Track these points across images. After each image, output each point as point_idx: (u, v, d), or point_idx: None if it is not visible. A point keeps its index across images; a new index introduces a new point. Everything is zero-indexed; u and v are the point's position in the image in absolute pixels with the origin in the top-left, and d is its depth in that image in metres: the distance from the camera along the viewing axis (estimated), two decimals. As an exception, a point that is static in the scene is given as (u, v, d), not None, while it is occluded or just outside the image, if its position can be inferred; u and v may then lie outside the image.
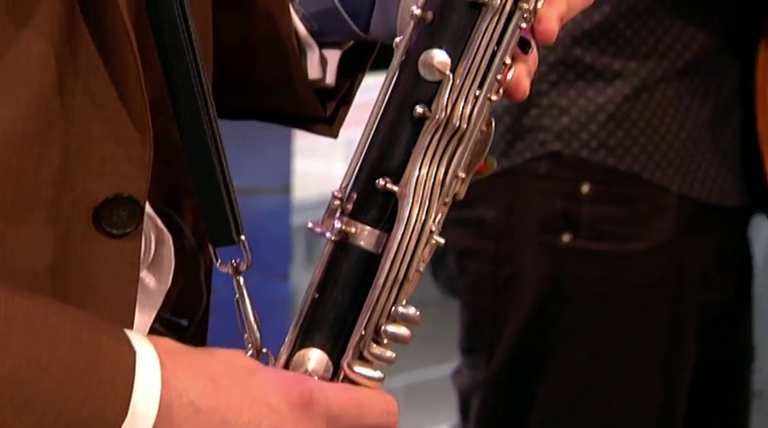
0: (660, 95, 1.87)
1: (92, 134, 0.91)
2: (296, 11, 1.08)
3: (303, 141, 3.17)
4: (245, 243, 0.96)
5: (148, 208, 0.96)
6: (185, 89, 0.95)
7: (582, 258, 1.89)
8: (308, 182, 3.82)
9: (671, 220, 1.88)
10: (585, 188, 1.87)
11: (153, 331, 0.99)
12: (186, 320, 1.02)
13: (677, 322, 1.91)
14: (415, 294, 0.96)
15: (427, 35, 0.94)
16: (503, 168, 1.86)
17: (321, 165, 4.19)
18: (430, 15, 0.93)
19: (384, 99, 0.94)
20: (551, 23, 0.95)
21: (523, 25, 0.94)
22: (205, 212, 0.97)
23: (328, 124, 1.11)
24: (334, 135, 1.12)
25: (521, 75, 0.96)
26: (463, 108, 0.93)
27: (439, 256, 1.92)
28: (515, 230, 1.88)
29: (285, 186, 3.00)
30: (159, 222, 1.00)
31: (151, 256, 0.98)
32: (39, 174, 0.89)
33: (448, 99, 0.93)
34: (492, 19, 0.93)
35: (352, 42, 1.09)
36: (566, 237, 1.87)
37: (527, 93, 0.97)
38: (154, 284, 0.99)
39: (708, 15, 1.86)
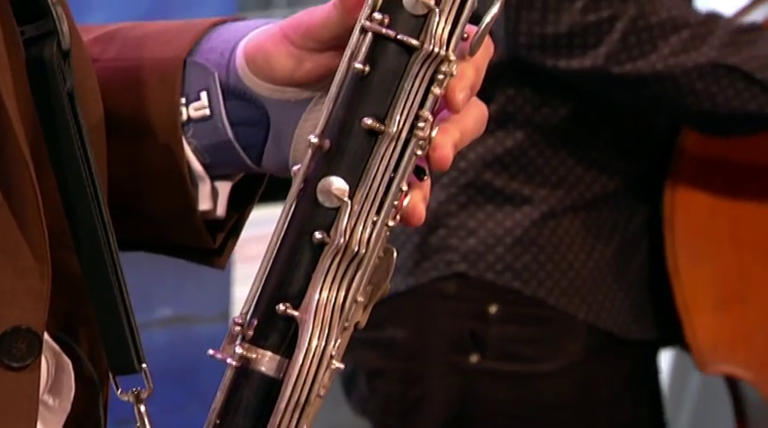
0: (568, 224, 1.89)
1: None
2: (188, 143, 1.06)
3: (242, 268, 3.20)
4: (147, 371, 0.96)
5: (46, 336, 0.96)
6: (86, 221, 0.95)
7: (490, 379, 1.90)
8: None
9: (580, 343, 1.90)
10: (493, 309, 1.88)
11: None
12: None
13: None
14: (327, 419, 0.96)
15: (325, 163, 0.95)
16: (411, 287, 1.88)
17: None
18: (327, 143, 0.94)
19: (283, 226, 0.95)
20: (446, 151, 0.96)
21: (419, 152, 0.95)
22: (106, 341, 0.97)
23: (217, 255, 1.10)
24: (222, 266, 1.11)
25: (417, 201, 0.97)
26: (362, 233, 0.94)
27: (351, 377, 1.95)
28: (424, 350, 1.89)
29: (224, 313, 2.98)
30: (56, 347, 0.98)
31: (51, 382, 0.98)
32: None
33: (346, 225, 0.93)
34: (388, 147, 0.94)
35: (242, 174, 1.10)
36: (474, 358, 1.88)
37: (422, 218, 0.98)
38: (56, 405, 0.98)
39: (617, 152, 1.89)
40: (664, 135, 1.94)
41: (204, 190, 1.06)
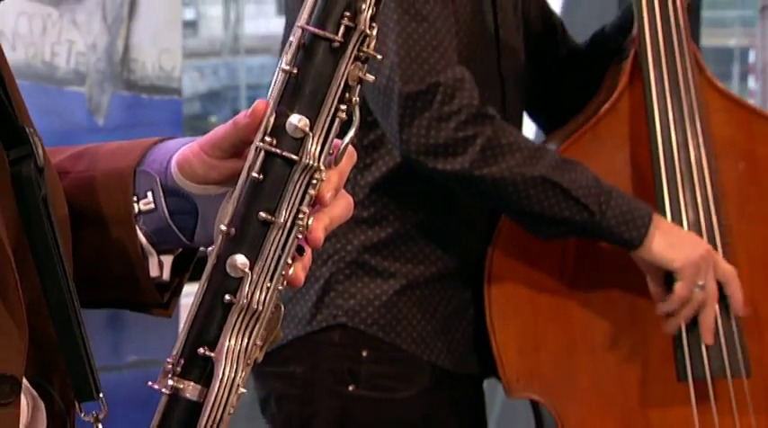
0: (419, 293, 2.16)
1: None
2: (140, 228, 1.18)
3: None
4: (103, 398, 1.08)
5: (25, 381, 1.05)
6: (57, 295, 1.06)
7: (363, 403, 2.16)
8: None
9: (426, 377, 2.16)
10: (365, 353, 2.15)
11: None
12: None
13: None
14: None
15: (232, 244, 1.10)
16: (308, 333, 2.15)
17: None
18: (233, 231, 1.10)
19: (202, 291, 1.11)
20: (318, 233, 1.11)
21: (300, 236, 1.11)
22: (73, 379, 1.08)
23: (165, 308, 1.21)
24: (169, 316, 1.23)
25: (298, 271, 1.12)
26: (259, 296, 1.10)
27: (264, 400, 2.19)
28: (315, 382, 2.15)
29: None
30: (34, 392, 1.08)
31: (28, 419, 1.07)
32: None
33: (248, 290, 1.09)
34: (278, 233, 1.10)
35: (180, 249, 1.21)
36: (351, 388, 2.15)
37: (302, 283, 1.12)
38: None
39: (450, 239, 2.17)
40: (483, 234, 2.19)
41: (153, 261, 1.19)
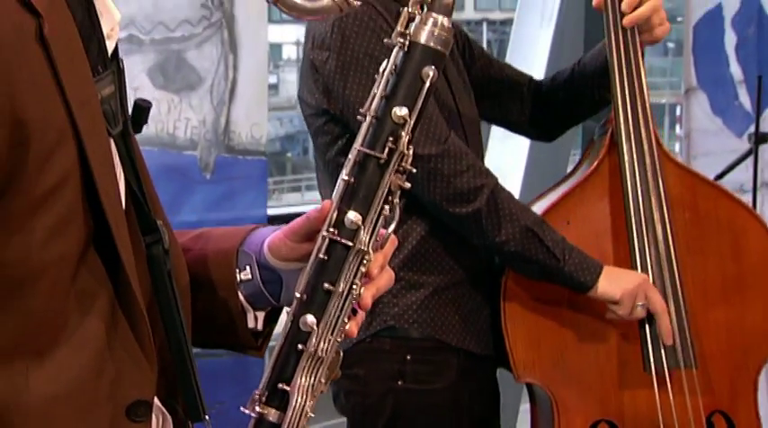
0: (445, 296, 2.05)
1: (125, 366, 0.98)
2: (240, 292, 1.16)
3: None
4: (209, 420, 1.06)
5: (157, 401, 1.04)
6: (177, 338, 1.04)
7: (408, 394, 2.06)
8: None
9: (453, 371, 2.06)
10: (408, 356, 2.05)
11: None
12: None
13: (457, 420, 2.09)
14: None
15: (304, 307, 1.10)
16: (366, 336, 2.04)
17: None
18: (305, 296, 1.09)
19: (281, 341, 1.10)
20: (367, 300, 1.10)
21: (353, 301, 1.09)
22: (186, 402, 1.06)
23: (258, 350, 1.19)
24: (262, 357, 1.20)
25: (353, 326, 1.11)
26: (323, 345, 1.09)
27: (336, 395, 2.11)
28: (374, 380, 2.06)
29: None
30: (164, 409, 1.06)
31: None
32: (97, 390, 0.96)
33: (315, 341, 1.09)
34: (338, 299, 1.09)
35: (270, 307, 1.19)
36: (399, 383, 2.05)
37: (355, 335, 1.11)
38: None
39: (460, 255, 2.07)
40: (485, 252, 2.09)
41: (250, 316, 1.17)
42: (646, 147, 2.06)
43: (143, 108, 1.05)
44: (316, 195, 2.25)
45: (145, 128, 1.04)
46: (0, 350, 0.90)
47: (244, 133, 2.69)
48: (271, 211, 2.69)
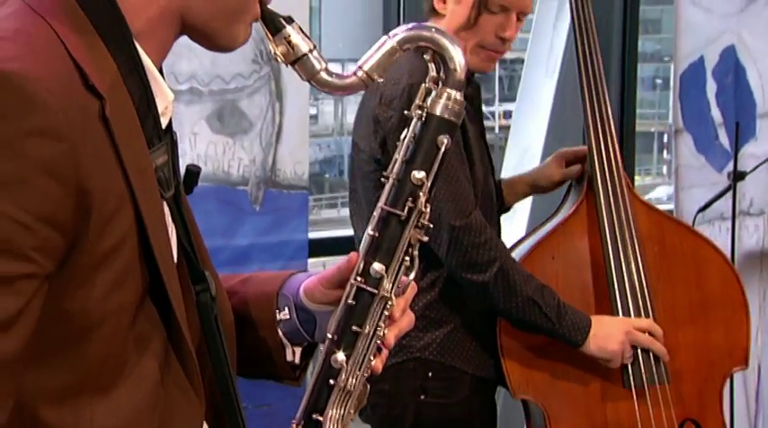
0: (462, 332, 2.03)
1: (176, 400, 0.97)
2: (280, 329, 1.15)
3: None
4: None
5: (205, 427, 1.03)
6: (223, 373, 1.02)
7: (429, 406, 2.02)
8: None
9: (466, 388, 2.03)
10: (430, 374, 2.02)
11: None
12: None
13: None
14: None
15: (334, 345, 1.08)
16: (393, 363, 2.00)
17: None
18: (335, 336, 1.08)
19: (315, 376, 1.08)
20: (390, 341, 1.09)
21: (378, 342, 1.08)
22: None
23: (296, 380, 1.17)
24: (299, 386, 1.18)
25: (378, 364, 1.09)
26: (352, 380, 1.07)
27: (363, 407, 2.05)
28: (399, 394, 2.02)
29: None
30: None
31: None
32: (152, 422, 0.94)
33: (344, 377, 1.07)
34: (365, 340, 1.07)
35: (306, 343, 1.17)
36: (422, 397, 2.02)
37: (380, 372, 1.09)
38: None
39: (471, 301, 2.03)
40: None
41: (289, 350, 1.16)
42: (618, 191, 2.07)
43: (193, 172, 1.04)
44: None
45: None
46: (67, 387, 0.90)
47: (288, 170, 2.68)
48: (311, 235, 2.67)
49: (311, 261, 2.61)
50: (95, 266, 0.88)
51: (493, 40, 1.95)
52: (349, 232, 2.18)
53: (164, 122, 0.99)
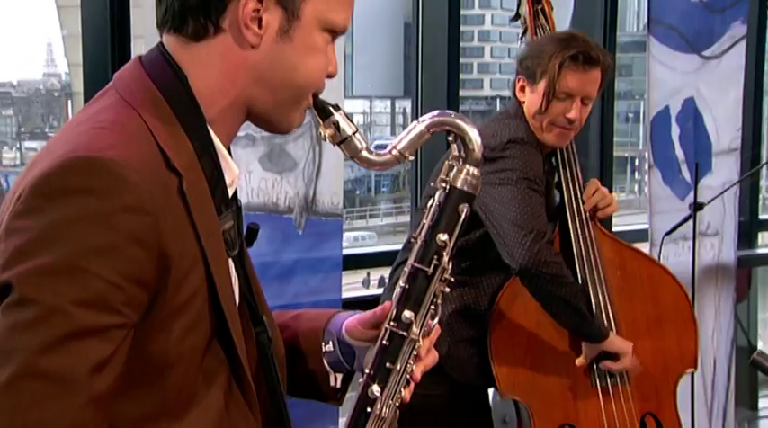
0: (460, 349, 1.95)
1: (238, 423, 0.95)
2: (325, 359, 1.12)
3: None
4: None
5: None
6: (276, 399, 0.98)
7: (414, 396, 1.85)
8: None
9: (445, 386, 1.95)
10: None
11: None
12: None
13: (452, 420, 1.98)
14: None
15: (371, 379, 1.04)
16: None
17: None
18: (372, 371, 1.04)
19: (354, 404, 1.04)
20: (417, 374, 1.05)
21: (408, 376, 1.04)
22: None
23: (338, 401, 1.14)
24: (341, 405, 1.14)
25: (407, 394, 1.05)
26: (386, 410, 1.04)
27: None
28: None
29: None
30: None
31: None
32: None
33: (380, 406, 1.03)
34: (397, 375, 1.04)
35: (347, 371, 1.14)
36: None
37: (408, 400, 1.04)
38: None
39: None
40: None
41: (332, 377, 1.13)
42: (585, 227, 2.05)
43: (254, 230, 1.03)
44: (377, 221, 2.22)
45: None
46: (148, 414, 0.89)
47: (326, 201, 2.66)
48: (345, 252, 2.66)
49: (345, 273, 2.60)
50: (173, 315, 0.87)
51: (561, 120, 1.92)
52: (372, 249, 2.14)
53: (230, 192, 0.97)
